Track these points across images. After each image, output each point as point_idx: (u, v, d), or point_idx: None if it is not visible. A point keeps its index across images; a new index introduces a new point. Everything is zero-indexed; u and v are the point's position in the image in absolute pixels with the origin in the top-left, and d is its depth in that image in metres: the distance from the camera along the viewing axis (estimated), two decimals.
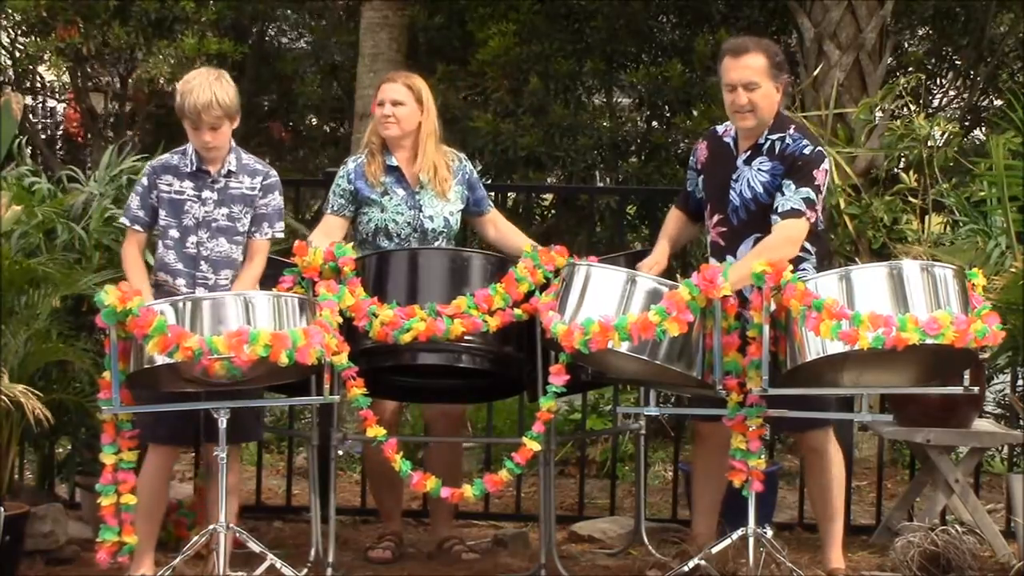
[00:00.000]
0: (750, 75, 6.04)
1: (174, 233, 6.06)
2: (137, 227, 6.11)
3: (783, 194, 6.00)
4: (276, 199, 6.16)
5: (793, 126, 6.16)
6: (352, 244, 6.30)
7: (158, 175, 6.11)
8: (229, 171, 6.09)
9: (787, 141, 6.08)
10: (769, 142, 6.09)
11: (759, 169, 6.08)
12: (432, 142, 6.54)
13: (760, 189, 6.07)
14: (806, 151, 6.05)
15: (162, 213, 6.08)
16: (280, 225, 6.18)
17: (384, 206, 6.51)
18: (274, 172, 6.22)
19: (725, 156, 6.20)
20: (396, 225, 6.50)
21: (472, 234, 7.34)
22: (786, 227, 5.98)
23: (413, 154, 6.55)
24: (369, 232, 6.53)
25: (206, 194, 6.07)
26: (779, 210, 5.99)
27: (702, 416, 6.25)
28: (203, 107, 5.95)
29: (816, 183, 6.02)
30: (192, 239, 6.06)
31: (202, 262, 6.05)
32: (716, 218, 6.18)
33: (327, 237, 6.42)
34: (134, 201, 6.14)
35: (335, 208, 6.56)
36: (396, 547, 6.74)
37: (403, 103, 6.51)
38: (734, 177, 6.13)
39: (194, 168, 6.08)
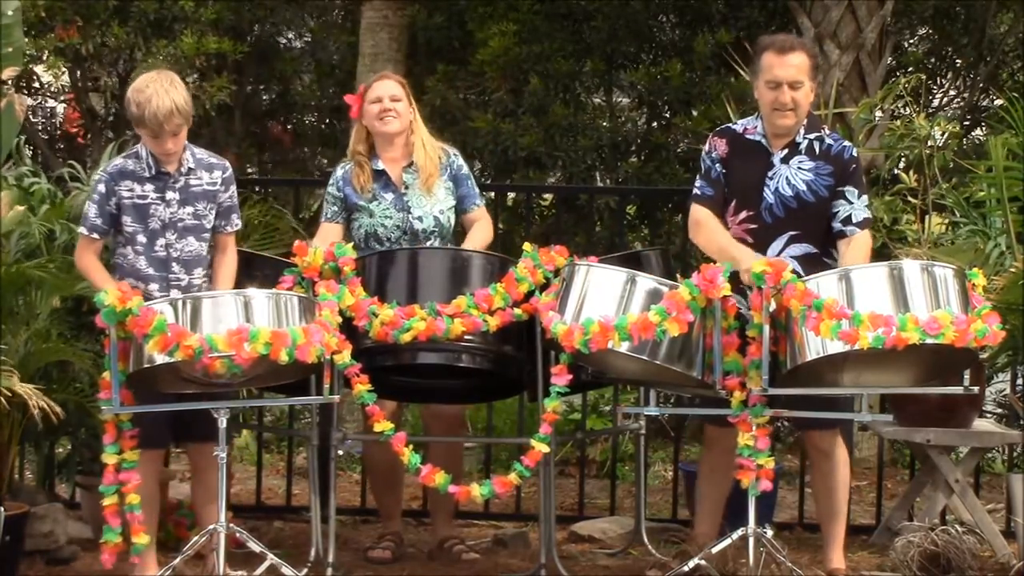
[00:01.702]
0: (795, 73, 6.03)
1: (141, 238, 6.02)
2: (95, 235, 6.06)
3: (850, 202, 6.04)
4: (234, 190, 6.19)
5: (824, 126, 6.19)
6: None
7: (116, 181, 6.04)
8: (189, 169, 6.07)
9: (828, 141, 6.11)
10: (807, 141, 6.10)
11: (800, 168, 6.08)
12: (425, 134, 6.59)
13: (803, 187, 6.06)
14: (854, 152, 6.12)
15: (127, 219, 6.02)
16: (238, 216, 6.20)
17: (372, 211, 6.51)
18: (228, 163, 6.21)
19: (755, 153, 6.14)
20: (385, 229, 6.50)
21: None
22: (867, 236, 6.09)
23: (403, 152, 6.56)
24: (360, 238, 6.54)
25: (169, 195, 6.04)
26: (854, 220, 6.05)
27: (708, 419, 6.24)
28: (165, 117, 5.87)
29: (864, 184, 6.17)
30: (160, 241, 6.02)
31: (173, 263, 6.03)
32: (744, 215, 6.11)
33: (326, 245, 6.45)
34: (91, 209, 6.05)
35: (329, 215, 6.59)
36: (396, 547, 6.74)
37: (400, 99, 6.54)
38: (769, 175, 6.10)
39: (154, 172, 6.03)
